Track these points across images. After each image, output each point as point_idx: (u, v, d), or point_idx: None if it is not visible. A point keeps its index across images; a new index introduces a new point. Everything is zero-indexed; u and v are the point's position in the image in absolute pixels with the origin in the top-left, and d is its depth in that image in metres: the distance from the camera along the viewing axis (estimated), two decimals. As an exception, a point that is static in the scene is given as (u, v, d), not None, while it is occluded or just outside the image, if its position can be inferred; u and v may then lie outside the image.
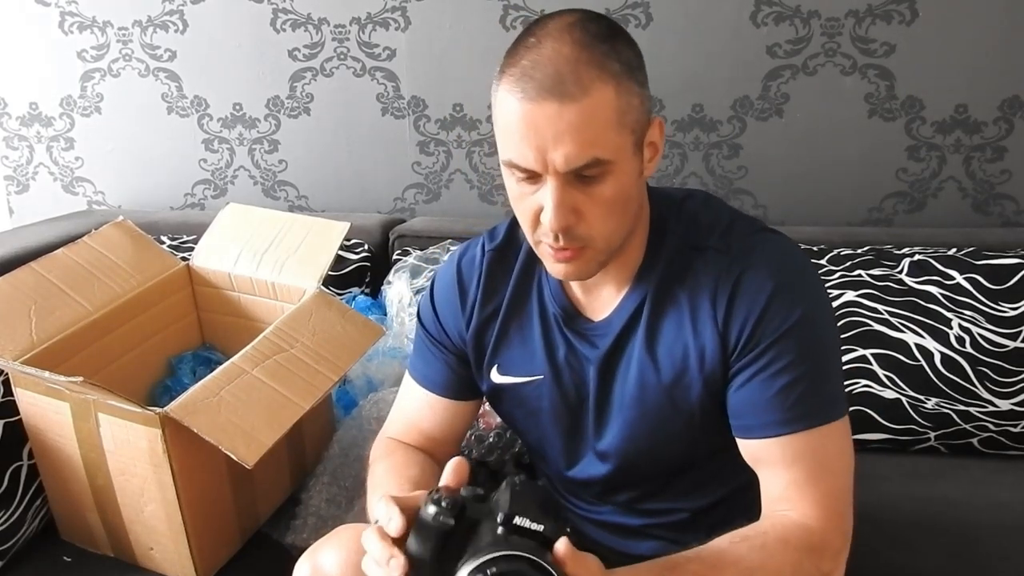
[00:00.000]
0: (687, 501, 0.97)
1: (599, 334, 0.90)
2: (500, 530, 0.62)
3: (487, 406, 1.14)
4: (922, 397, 1.42)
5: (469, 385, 1.01)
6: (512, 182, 0.81)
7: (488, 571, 0.60)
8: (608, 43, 0.76)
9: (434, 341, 1.01)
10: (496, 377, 0.97)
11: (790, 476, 0.81)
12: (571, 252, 0.81)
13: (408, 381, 1.05)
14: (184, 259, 1.46)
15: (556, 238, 0.79)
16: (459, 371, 1.00)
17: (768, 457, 0.83)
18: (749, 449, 0.85)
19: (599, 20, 0.78)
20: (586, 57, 0.74)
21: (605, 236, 0.81)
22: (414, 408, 1.03)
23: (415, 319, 1.61)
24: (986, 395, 1.40)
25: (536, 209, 0.79)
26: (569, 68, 0.73)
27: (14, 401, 1.19)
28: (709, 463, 0.93)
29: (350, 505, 1.27)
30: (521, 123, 0.75)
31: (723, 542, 0.78)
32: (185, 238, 1.80)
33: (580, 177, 0.76)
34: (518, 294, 0.95)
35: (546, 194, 0.77)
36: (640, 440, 0.91)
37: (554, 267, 0.84)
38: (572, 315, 0.92)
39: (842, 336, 1.45)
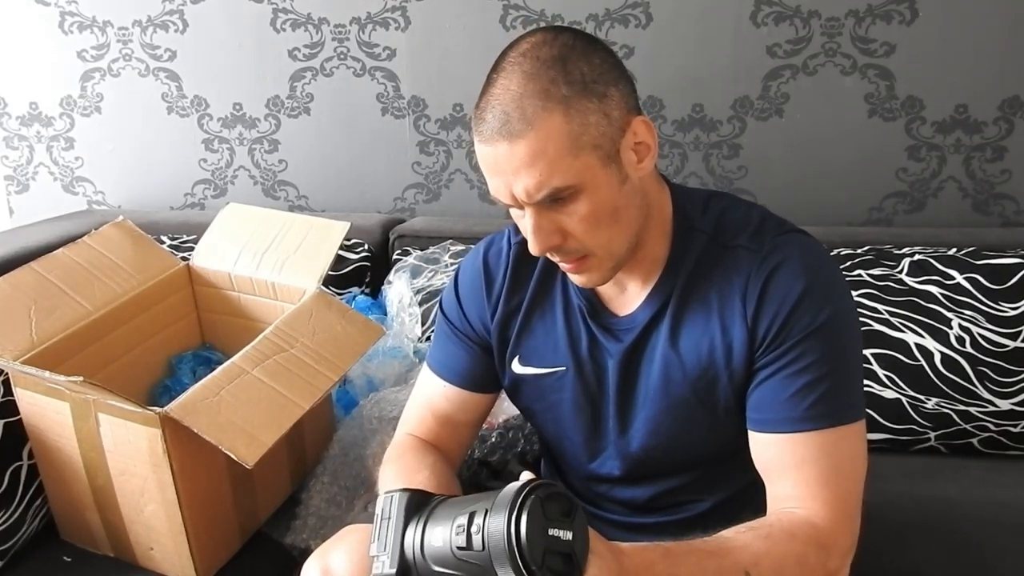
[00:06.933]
0: (703, 497, 0.97)
1: (623, 329, 0.91)
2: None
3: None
4: (922, 397, 1.42)
5: (488, 376, 1.02)
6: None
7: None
8: (557, 66, 0.77)
9: (456, 331, 1.02)
10: (517, 368, 0.98)
11: (801, 475, 0.82)
12: (574, 264, 0.84)
13: (426, 373, 1.05)
14: (184, 259, 1.46)
15: (553, 253, 0.83)
16: (480, 362, 1.01)
17: (781, 453, 0.83)
18: (762, 444, 0.85)
19: (555, 40, 0.79)
20: (531, 89, 0.76)
21: (602, 245, 0.83)
22: (431, 398, 1.04)
23: (416, 318, 1.62)
24: (986, 395, 1.40)
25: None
26: (514, 105, 0.76)
27: (14, 401, 1.19)
28: (729, 459, 0.94)
29: (350, 505, 1.27)
30: (485, 164, 0.80)
31: (726, 532, 0.79)
32: (185, 238, 1.80)
33: (553, 200, 0.79)
34: (542, 285, 0.96)
35: (526, 221, 0.81)
36: (663, 434, 0.92)
37: (571, 277, 0.89)
38: (597, 309, 0.93)
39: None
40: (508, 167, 0.78)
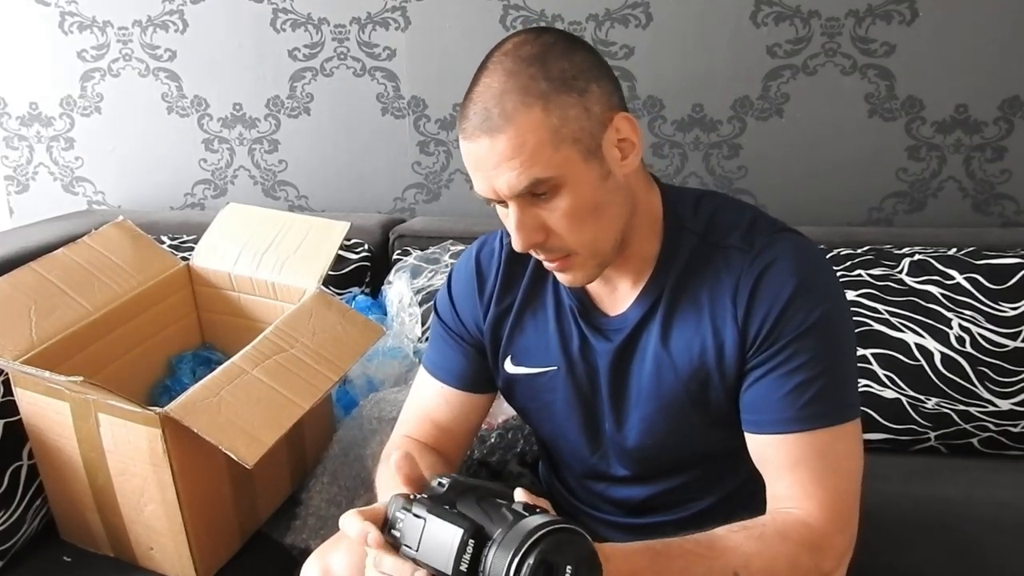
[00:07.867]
0: (700, 497, 0.97)
1: (614, 328, 0.91)
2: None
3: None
4: (922, 397, 1.42)
5: (484, 377, 1.02)
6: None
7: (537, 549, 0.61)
8: (537, 64, 0.77)
9: (451, 332, 1.02)
10: (510, 368, 0.98)
11: (796, 475, 0.82)
12: (558, 262, 0.84)
13: (422, 375, 1.05)
14: (184, 259, 1.46)
15: (537, 251, 0.84)
16: (475, 362, 1.01)
17: (776, 454, 0.83)
18: (758, 445, 0.85)
19: (536, 39, 0.80)
20: (511, 86, 0.77)
21: (585, 244, 0.83)
22: (428, 400, 1.04)
23: (416, 318, 1.62)
24: (986, 395, 1.40)
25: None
26: (494, 101, 0.77)
27: (14, 401, 1.19)
28: (725, 459, 0.94)
29: (350, 505, 1.26)
30: (468, 160, 0.81)
31: (720, 530, 0.79)
32: (185, 238, 1.80)
33: (535, 196, 0.79)
34: (534, 285, 0.97)
35: (510, 217, 0.81)
36: (658, 433, 0.92)
37: (558, 276, 0.88)
38: (588, 308, 0.93)
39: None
40: (489, 162, 0.78)
